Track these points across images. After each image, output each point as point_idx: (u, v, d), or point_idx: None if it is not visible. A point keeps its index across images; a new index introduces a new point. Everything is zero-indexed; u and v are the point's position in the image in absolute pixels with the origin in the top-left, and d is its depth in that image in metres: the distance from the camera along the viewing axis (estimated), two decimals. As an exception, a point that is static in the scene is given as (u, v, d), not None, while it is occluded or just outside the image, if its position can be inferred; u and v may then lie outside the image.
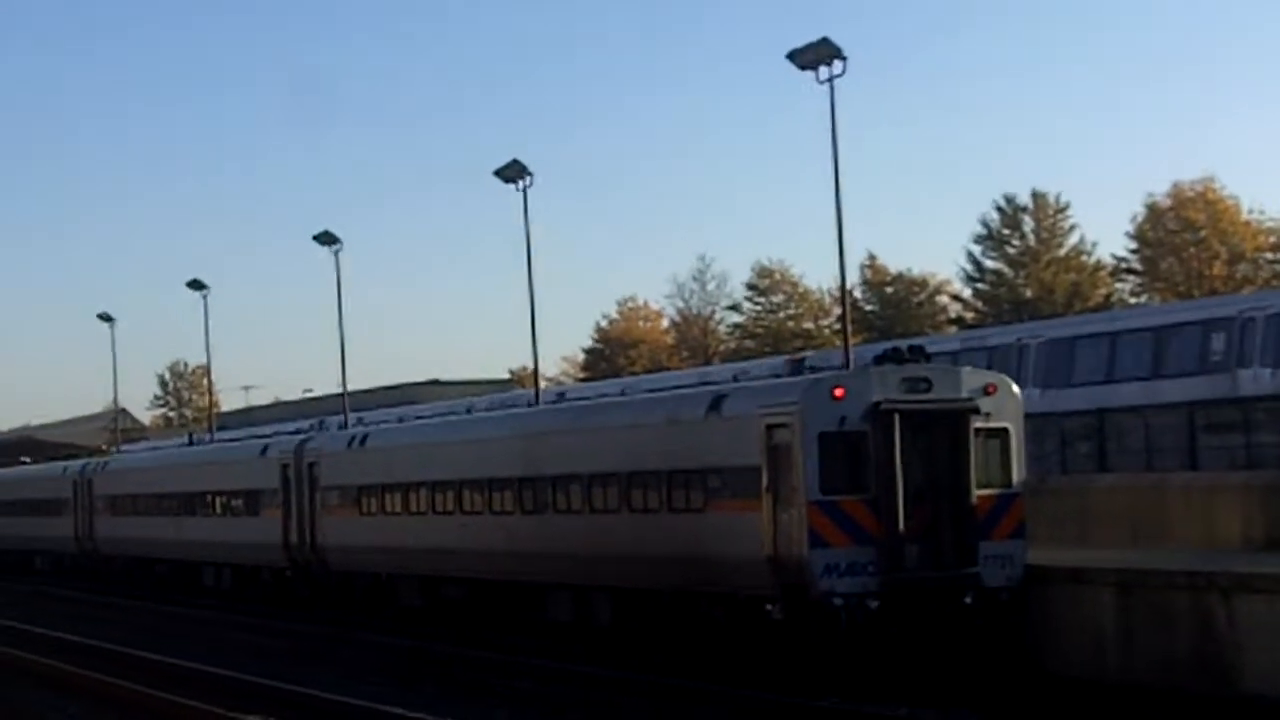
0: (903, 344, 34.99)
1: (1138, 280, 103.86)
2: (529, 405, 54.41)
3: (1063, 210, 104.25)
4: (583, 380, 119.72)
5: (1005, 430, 30.59)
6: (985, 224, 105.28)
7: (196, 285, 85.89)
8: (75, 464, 76.78)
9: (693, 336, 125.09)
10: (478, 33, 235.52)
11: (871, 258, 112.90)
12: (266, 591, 51.99)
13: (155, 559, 62.60)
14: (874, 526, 29.24)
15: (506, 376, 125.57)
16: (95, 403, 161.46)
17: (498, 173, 55.63)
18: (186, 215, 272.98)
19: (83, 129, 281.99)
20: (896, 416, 29.38)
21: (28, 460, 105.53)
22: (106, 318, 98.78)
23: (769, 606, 30.00)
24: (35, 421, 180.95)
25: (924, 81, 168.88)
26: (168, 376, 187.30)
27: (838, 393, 29.70)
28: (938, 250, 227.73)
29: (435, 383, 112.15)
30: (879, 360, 31.36)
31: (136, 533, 64.08)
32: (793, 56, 40.61)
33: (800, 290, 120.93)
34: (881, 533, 29.19)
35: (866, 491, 29.41)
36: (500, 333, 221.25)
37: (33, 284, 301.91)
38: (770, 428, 30.13)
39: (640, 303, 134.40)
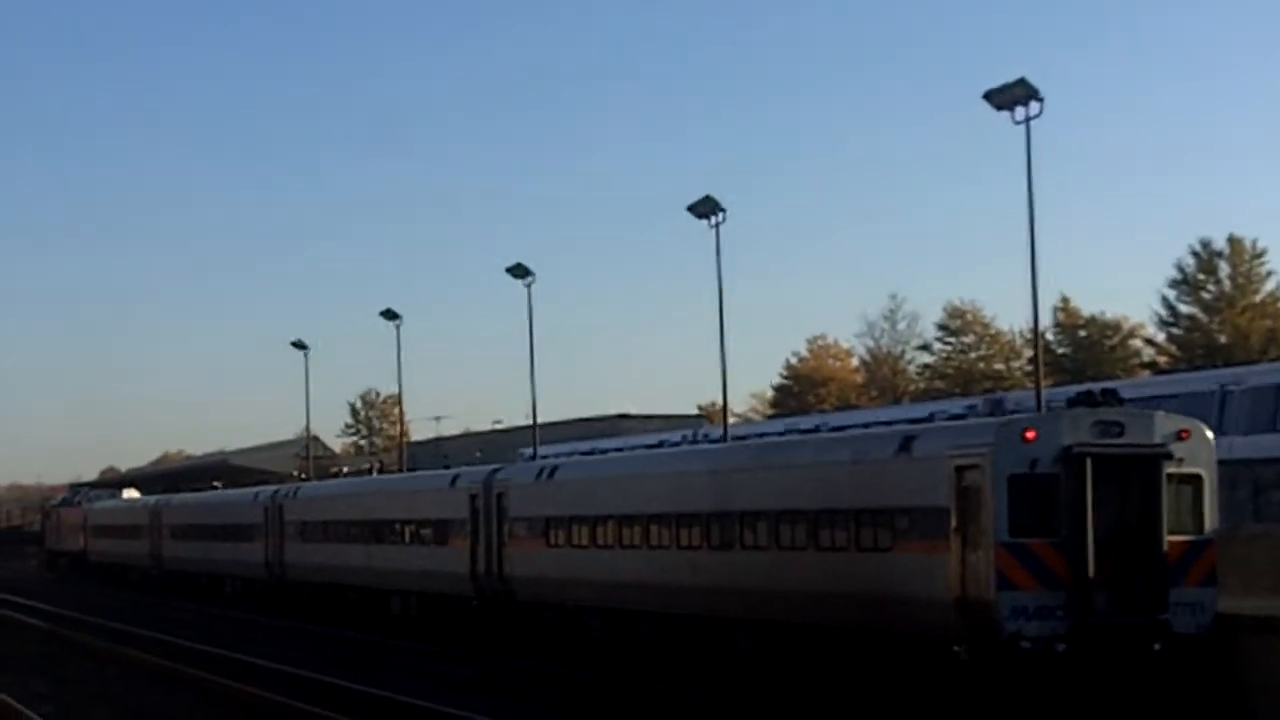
0: (1095, 387, 34.61)
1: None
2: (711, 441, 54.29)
3: (1259, 256, 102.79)
4: (771, 417, 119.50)
5: (1198, 476, 30.18)
6: (1180, 268, 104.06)
7: (390, 315, 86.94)
8: (267, 490, 77.68)
9: (882, 376, 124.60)
10: (675, 69, 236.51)
11: (1064, 300, 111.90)
12: (454, 621, 52.30)
13: (344, 586, 63.11)
14: (1063, 570, 28.95)
15: (695, 412, 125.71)
16: (288, 429, 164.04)
17: (691, 208, 55.79)
18: (381, 246, 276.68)
19: (281, 166, 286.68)
20: (1088, 460, 29.07)
21: (220, 485, 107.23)
22: (301, 346, 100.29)
23: (955, 648, 29.79)
24: (229, 447, 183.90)
25: (1121, 124, 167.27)
26: (359, 405, 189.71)
27: (1029, 435, 29.45)
28: (1131, 294, 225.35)
29: (624, 417, 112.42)
30: (1071, 403, 31.11)
31: (326, 559, 64.72)
32: (989, 96, 40.43)
33: (992, 331, 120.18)
34: (1070, 577, 28.89)
35: (1056, 535, 29.14)
36: (690, 368, 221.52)
37: (230, 312, 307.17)
38: (960, 469, 29.94)
39: (830, 340, 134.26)
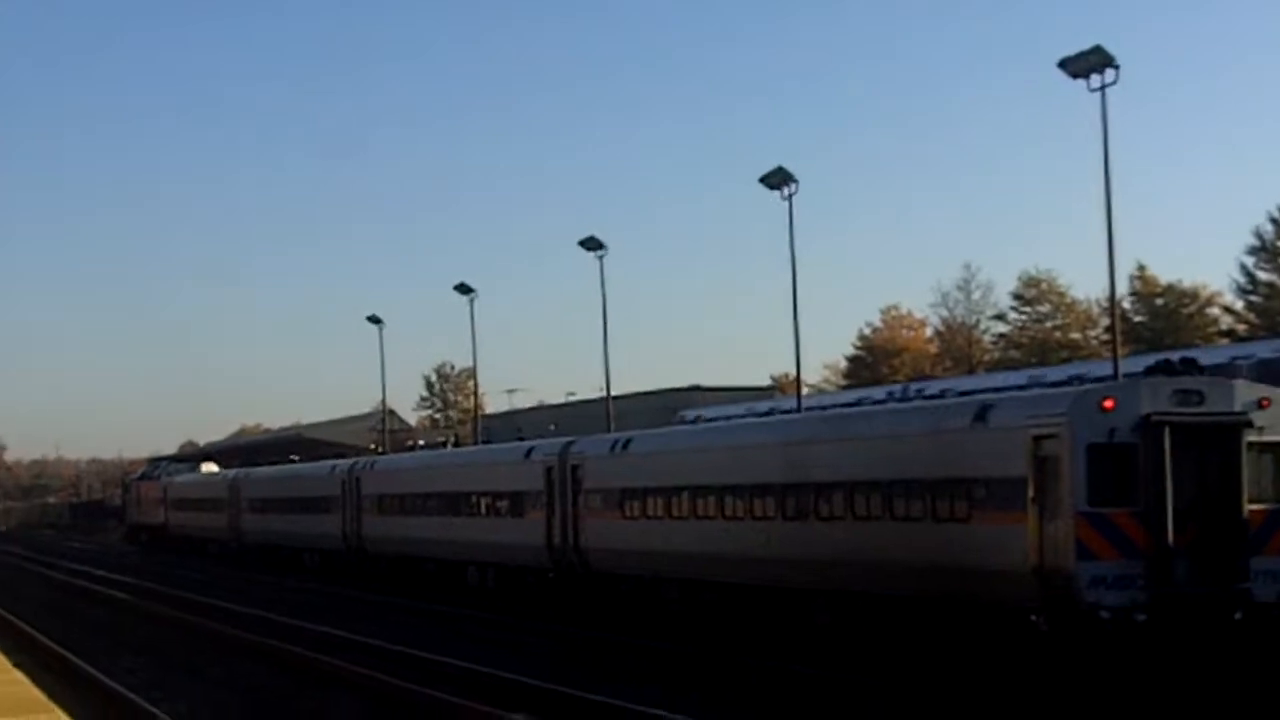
0: (1173, 356, 34.44)
1: None
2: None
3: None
4: (844, 388, 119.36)
5: (1279, 444, 29.97)
6: (1259, 235, 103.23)
7: (464, 289, 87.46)
8: (344, 463, 78.12)
9: (956, 346, 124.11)
10: (748, 39, 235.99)
11: (1141, 268, 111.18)
12: (530, 592, 52.53)
13: (421, 558, 63.45)
14: (1142, 540, 28.83)
15: (768, 383, 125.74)
16: (363, 403, 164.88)
17: (763, 179, 55.85)
18: (455, 219, 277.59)
19: (358, 139, 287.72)
20: (1167, 429, 28.92)
21: (297, 458, 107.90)
22: (376, 320, 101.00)
23: (1034, 618, 29.73)
24: (305, 420, 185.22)
25: (1198, 90, 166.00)
26: (434, 378, 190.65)
27: (1107, 404, 29.31)
28: (1209, 261, 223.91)
29: (697, 388, 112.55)
30: (1149, 372, 30.97)
31: (403, 531, 65.10)
32: (1065, 64, 40.27)
33: (1067, 301, 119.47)
34: (1150, 546, 28.77)
35: (1135, 504, 28.99)
36: (762, 339, 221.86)
37: (307, 287, 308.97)
38: (1037, 439, 29.83)
39: (904, 311, 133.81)
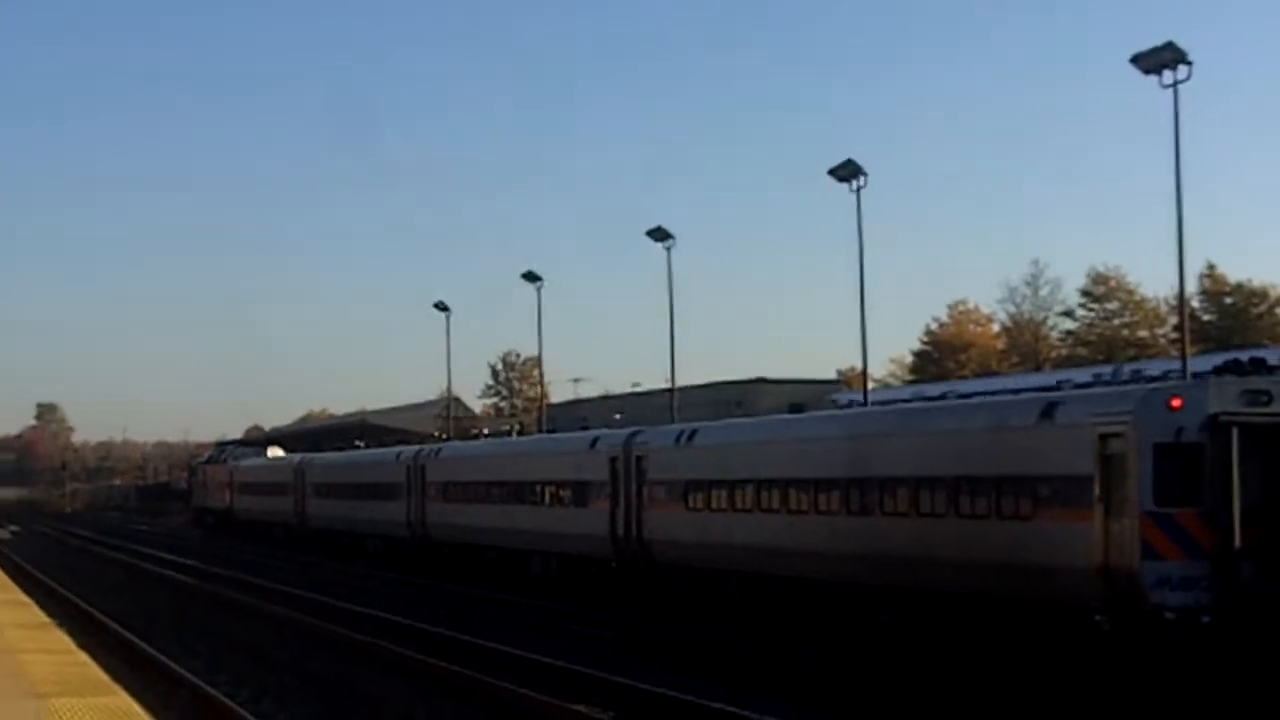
0: (1242, 355, 34.19)
1: None
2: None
3: None
4: (910, 383, 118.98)
5: (1349, 446, 29.69)
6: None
7: (531, 277, 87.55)
8: (409, 449, 78.29)
9: (1024, 342, 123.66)
10: (817, 32, 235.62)
11: (1211, 267, 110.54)
12: (592, 582, 52.57)
13: (484, 546, 63.56)
14: (1208, 540, 28.65)
15: (834, 377, 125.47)
16: (429, 390, 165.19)
17: (832, 172, 55.71)
18: (524, 208, 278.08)
19: (425, 127, 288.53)
20: (1235, 429, 28.72)
21: (362, 444, 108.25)
22: (442, 307, 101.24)
23: (1097, 618, 29.60)
24: (371, 407, 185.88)
25: (1270, 88, 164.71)
26: (499, 366, 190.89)
27: (1175, 403, 29.13)
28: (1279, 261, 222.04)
29: (761, 381, 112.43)
30: (1218, 371, 30.76)
31: (466, 519, 65.23)
32: (1137, 60, 40.02)
33: (1136, 298, 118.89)
34: (1216, 547, 28.59)
35: (1201, 504, 28.81)
36: (829, 332, 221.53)
37: (373, 274, 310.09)
38: (1104, 437, 29.69)
39: (971, 306, 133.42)
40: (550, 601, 50.35)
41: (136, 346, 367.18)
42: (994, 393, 52.51)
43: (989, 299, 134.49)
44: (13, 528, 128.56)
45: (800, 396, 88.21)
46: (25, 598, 40.77)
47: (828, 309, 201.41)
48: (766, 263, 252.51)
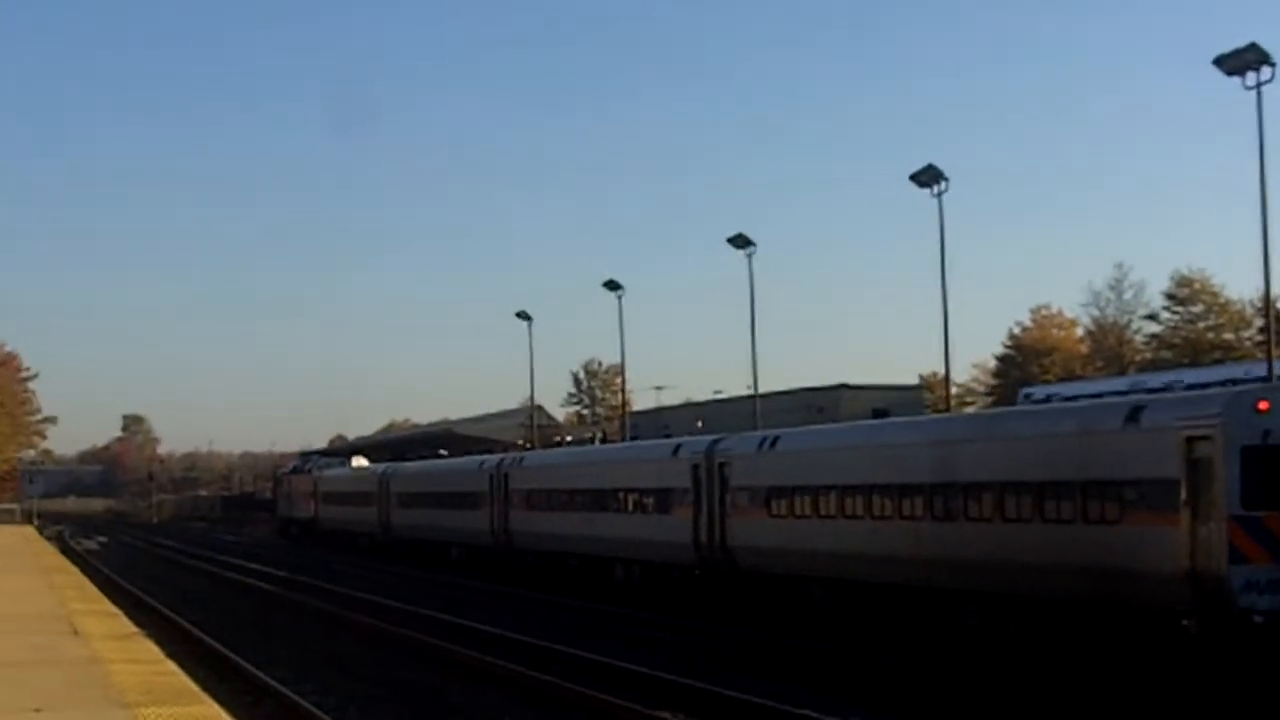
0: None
1: None
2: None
3: None
4: (993, 388, 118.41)
5: None
6: None
7: (612, 285, 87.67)
8: (492, 458, 78.48)
9: (1108, 346, 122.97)
10: (899, 34, 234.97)
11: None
12: (675, 589, 52.53)
13: (567, 553, 63.62)
14: (1297, 544, 28.42)
15: (916, 382, 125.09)
16: (512, 399, 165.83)
17: (913, 177, 55.55)
18: (605, 216, 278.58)
19: (505, 135, 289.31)
20: (1323, 432, 28.48)
21: (445, 453, 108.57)
22: (525, 316, 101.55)
23: (1184, 622, 29.39)
24: (454, 416, 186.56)
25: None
26: (582, 374, 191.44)
27: (1262, 406, 28.92)
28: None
29: (844, 387, 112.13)
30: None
31: (550, 527, 65.30)
32: (1220, 62, 39.75)
33: (1221, 300, 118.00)
34: (1304, 551, 28.36)
35: (1289, 508, 28.58)
36: (911, 337, 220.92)
37: (456, 283, 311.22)
38: (1190, 440, 29.48)
39: (1054, 310, 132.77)
40: (633, 609, 50.37)
41: (222, 358, 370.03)
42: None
43: (1072, 303, 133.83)
44: (100, 538, 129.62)
45: (883, 402, 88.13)
46: (113, 608, 41.08)
47: (910, 314, 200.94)
48: (848, 268, 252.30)
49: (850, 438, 45.74)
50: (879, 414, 51.02)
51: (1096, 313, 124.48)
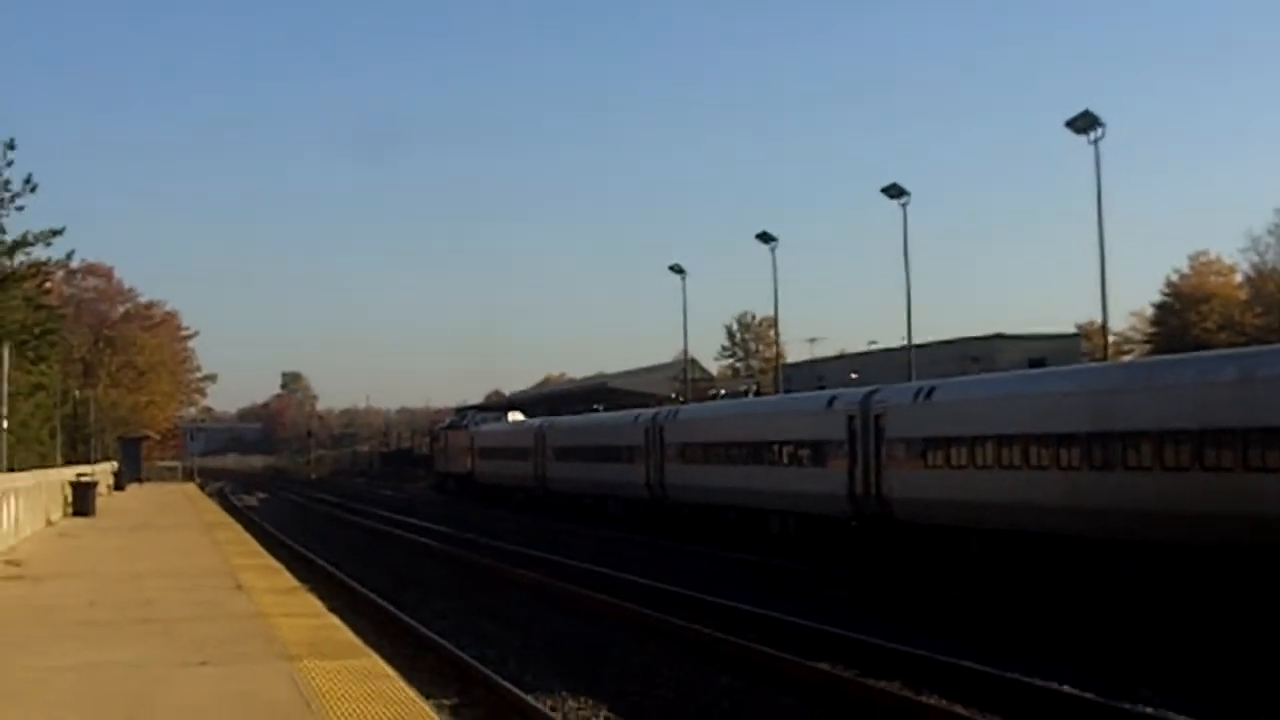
0: None
1: None
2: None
3: None
4: (1151, 336, 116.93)
5: None
6: None
7: (765, 238, 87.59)
8: (647, 412, 78.73)
9: (1268, 293, 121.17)
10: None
11: None
12: (831, 541, 52.52)
13: (722, 506, 63.76)
14: None
15: (1073, 331, 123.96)
16: (666, 353, 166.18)
17: (1069, 124, 54.94)
18: (758, 168, 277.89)
19: (657, 89, 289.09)
20: None
21: (600, 407, 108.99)
22: (678, 270, 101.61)
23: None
24: (608, 370, 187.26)
25: None
26: (735, 328, 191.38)
27: None
28: None
29: (999, 337, 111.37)
30: None
31: (705, 480, 65.49)
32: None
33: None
34: None
35: None
36: (1068, 286, 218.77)
37: (609, 239, 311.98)
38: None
39: (1213, 257, 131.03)
40: (789, 560, 50.36)
41: (381, 315, 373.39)
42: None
43: (1231, 249, 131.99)
44: (260, 494, 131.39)
45: (1039, 352, 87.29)
46: (275, 563, 41.54)
47: (1068, 262, 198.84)
48: (1004, 217, 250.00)
49: (1007, 388, 45.46)
50: (1035, 363, 50.60)
51: (1256, 259, 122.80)
